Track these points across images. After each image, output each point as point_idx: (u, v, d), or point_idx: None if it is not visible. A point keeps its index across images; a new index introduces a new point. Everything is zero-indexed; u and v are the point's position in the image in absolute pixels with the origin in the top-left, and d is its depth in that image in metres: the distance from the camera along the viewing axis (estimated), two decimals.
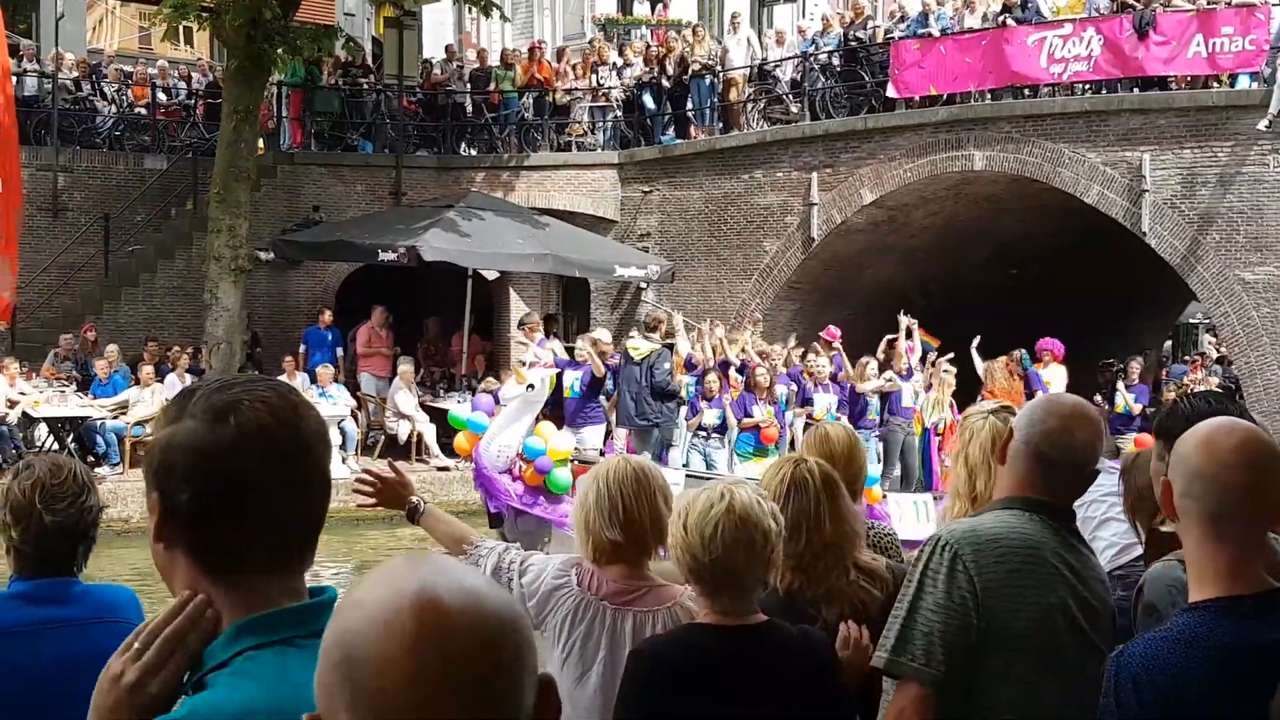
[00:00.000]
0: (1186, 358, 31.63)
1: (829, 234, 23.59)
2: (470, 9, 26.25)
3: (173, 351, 21.19)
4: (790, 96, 25.38)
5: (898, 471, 18.73)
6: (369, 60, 28.68)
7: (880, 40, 24.23)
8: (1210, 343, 33.54)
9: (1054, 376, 17.67)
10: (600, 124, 27.11)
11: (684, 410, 18.05)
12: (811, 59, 24.83)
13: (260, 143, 24.58)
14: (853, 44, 24.52)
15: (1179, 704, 2.59)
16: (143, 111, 26.77)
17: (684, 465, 16.93)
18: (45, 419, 18.94)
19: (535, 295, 27.07)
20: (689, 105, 26.10)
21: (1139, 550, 5.86)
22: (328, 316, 23.21)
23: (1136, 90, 21.25)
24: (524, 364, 17.21)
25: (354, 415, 21.05)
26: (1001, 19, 22.42)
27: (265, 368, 21.74)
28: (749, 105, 25.91)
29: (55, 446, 18.23)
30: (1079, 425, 3.35)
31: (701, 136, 25.70)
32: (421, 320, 24.91)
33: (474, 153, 27.40)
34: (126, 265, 24.59)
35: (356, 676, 1.37)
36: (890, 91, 23.28)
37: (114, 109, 26.43)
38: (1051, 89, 22.07)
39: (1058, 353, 18.26)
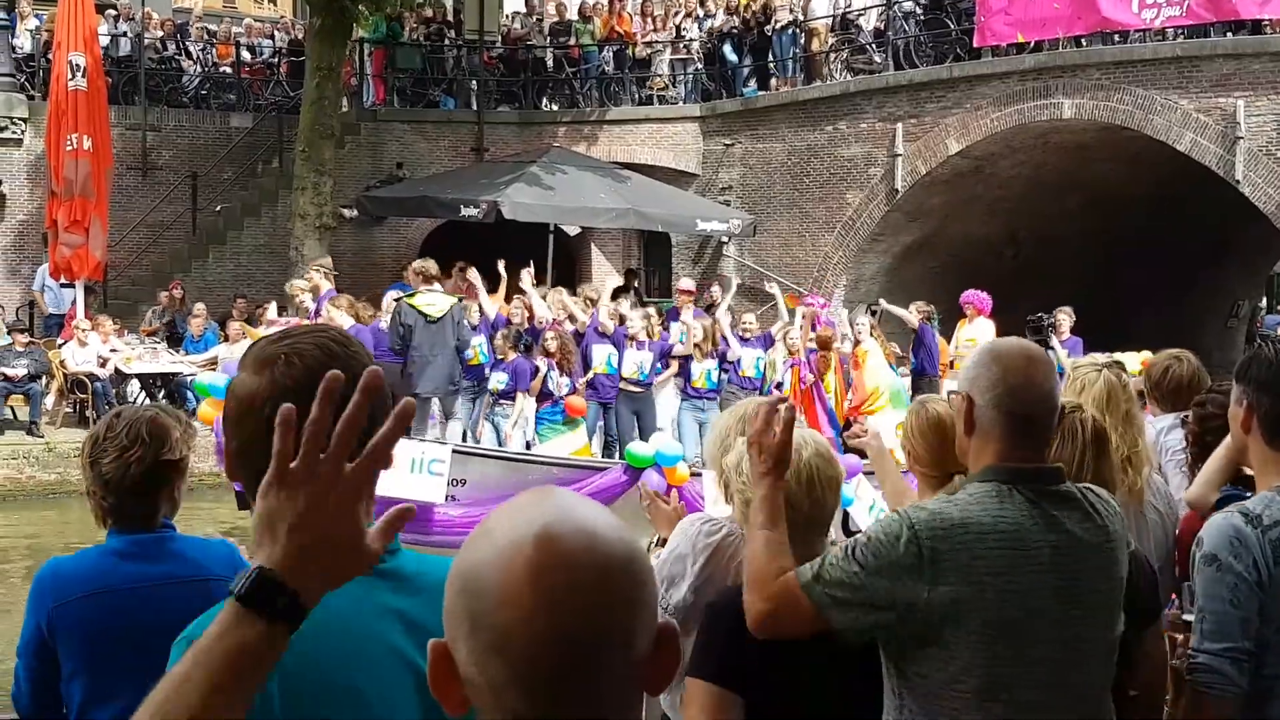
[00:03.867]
0: None
1: (913, 185, 23.31)
2: None
3: (260, 308, 21.38)
4: (874, 46, 25.03)
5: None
6: (450, 16, 28.67)
7: None
8: None
9: (979, 332, 16.30)
10: (681, 77, 26.94)
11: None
12: (895, 7, 24.48)
13: (344, 100, 24.68)
14: None
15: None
16: (228, 70, 27.00)
17: (472, 440, 15.05)
18: (137, 375, 19.30)
19: (617, 250, 27.06)
20: (771, 57, 25.85)
21: None
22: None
23: (1230, 35, 20.77)
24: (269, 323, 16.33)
25: None
26: None
27: None
28: (832, 56, 25.60)
29: (147, 402, 18.49)
30: (1039, 371, 3.08)
31: (784, 88, 25.46)
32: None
33: (555, 108, 27.35)
34: (214, 223, 24.88)
35: (476, 607, 1.40)
36: (976, 40, 22.93)
37: (199, 68, 26.66)
38: (1142, 35, 21.62)
39: (982, 306, 17.08)
